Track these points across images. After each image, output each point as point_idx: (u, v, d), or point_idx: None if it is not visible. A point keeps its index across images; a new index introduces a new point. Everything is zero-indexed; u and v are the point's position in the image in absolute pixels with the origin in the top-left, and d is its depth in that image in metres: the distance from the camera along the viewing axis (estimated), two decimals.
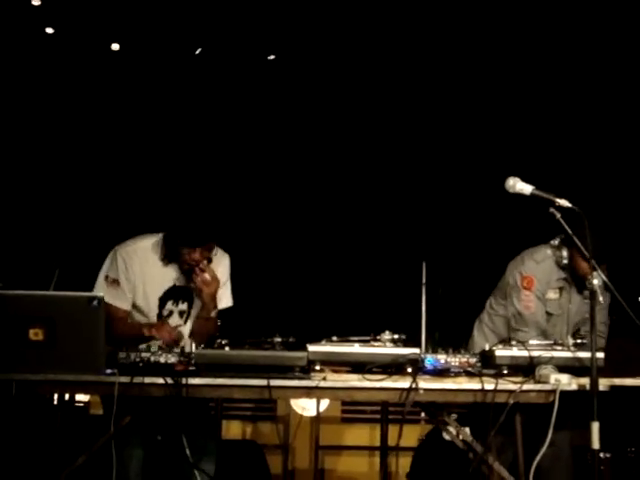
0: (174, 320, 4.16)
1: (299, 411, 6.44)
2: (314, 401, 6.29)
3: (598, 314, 3.67)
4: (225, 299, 4.25)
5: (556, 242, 4.40)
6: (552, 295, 4.42)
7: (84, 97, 6.62)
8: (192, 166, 6.56)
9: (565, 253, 4.33)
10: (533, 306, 4.38)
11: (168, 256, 4.11)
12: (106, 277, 4.09)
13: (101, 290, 3.99)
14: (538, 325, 4.38)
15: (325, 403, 6.43)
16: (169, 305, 4.17)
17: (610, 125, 6.66)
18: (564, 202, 3.64)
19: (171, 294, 4.15)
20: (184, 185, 6.11)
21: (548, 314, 4.43)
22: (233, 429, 6.68)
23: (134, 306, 4.13)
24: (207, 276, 4.06)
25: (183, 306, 4.19)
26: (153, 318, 4.13)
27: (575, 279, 4.38)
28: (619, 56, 6.43)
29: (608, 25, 6.32)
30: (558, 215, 3.66)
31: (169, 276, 4.15)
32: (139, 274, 4.09)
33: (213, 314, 4.16)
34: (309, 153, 6.90)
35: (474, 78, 6.73)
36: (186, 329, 4.17)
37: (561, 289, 4.42)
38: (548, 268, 4.40)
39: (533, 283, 4.38)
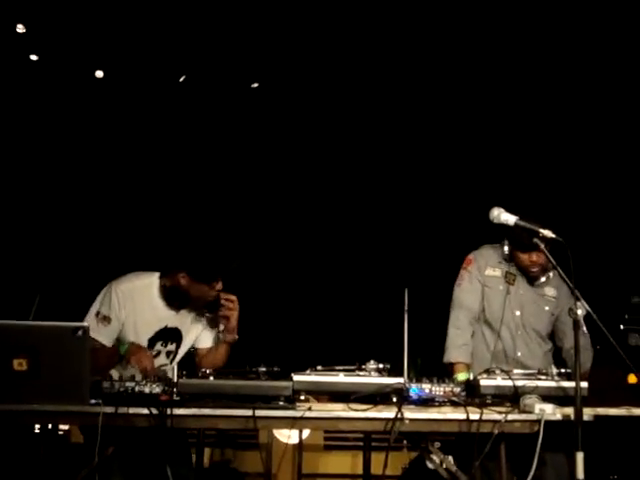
0: (160, 360, 4.16)
1: (282, 439, 6.42)
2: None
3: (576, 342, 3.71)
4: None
5: (501, 242, 4.57)
6: (491, 272, 4.58)
7: (69, 124, 6.62)
8: (173, 197, 6.58)
9: (506, 248, 4.50)
10: (463, 283, 4.59)
11: (177, 298, 4.13)
12: (97, 312, 4.07)
13: (90, 323, 3.97)
14: (466, 304, 4.54)
15: (307, 430, 6.41)
16: (158, 346, 4.17)
17: (590, 155, 6.73)
18: (548, 232, 3.68)
19: (161, 335, 4.15)
20: (178, 218, 6.15)
21: (487, 288, 4.55)
22: (215, 457, 6.64)
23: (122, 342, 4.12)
24: (234, 302, 4.12)
25: (171, 347, 4.20)
26: None
27: (520, 271, 4.52)
28: (605, 85, 6.51)
29: (594, 52, 6.40)
30: (542, 245, 3.69)
31: (162, 317, 4.15)
32: (131, 313, 4.08)
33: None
34: (290, 185, 6.93)
35: (458, 111, 6.79)
36: (170, 369, 4.16)
37: (509, 274, 4.54)
38: (488, 253, 4.62)
39: (470, 262, 4.62)
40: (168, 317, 4.16)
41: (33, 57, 6.41)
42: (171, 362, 4.20)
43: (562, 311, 4.51)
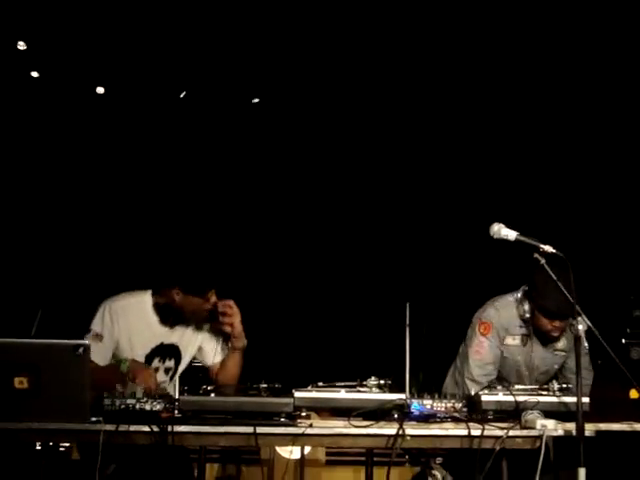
0: (160, 377, 4.16)
1: (284, 454, 6.39)
2: None
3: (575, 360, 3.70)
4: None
5: (519, 295, 4.44)
6: (511, 341, 4.44)
7: (69, 141, 6.64)
8: (174, 210, 6.59)
9: (527, 307, 4.36)
10: (484, 352, 4.41)
11: (171, 315, 4.14)
12: (89, 330, 4.08)
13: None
14: (482, 381, 4.35)
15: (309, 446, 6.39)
16: (155, 362, 4.17)
17: (591, 169, 6.74)
18: (548, 248, 3.67)
19: (158, 352, 4.16)
20: (170, 232, 6.16)
21: (506, 358, 4.45)
22: (216, 473, 6.62)
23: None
24: (232, 307, 4.11)
25: (169, 363, 4.20)
26: None
27: (536, 332, 4.41)
28: (606, 91, 6.52)
29: (589, 62, 6.41)
30: (542, 261, 3.68)
31: (157, 334, 4.16)
32: (125, 331, 4.09)
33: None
34: (291, 200, 6.93)
35: (462, 125, 6.80)
36: (170, 387, 4.17)
37: (524, 336, 4.44)
38: (508, 315, 4.43)
39: (489, 330, 4.42)
40: (163, 334, 4.17)
41: (34, 74, 6.44)
42: (170, 379, 4.20)
43: (568, 358, 4.48)
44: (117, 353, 4.09)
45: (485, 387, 3.93)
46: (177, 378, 4.16)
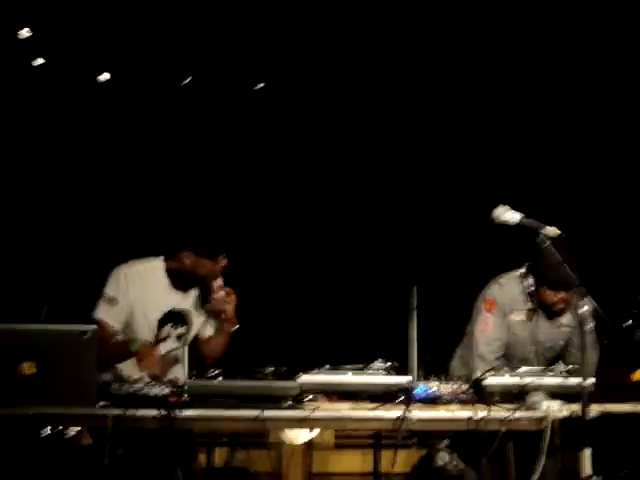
0: (172, 344, 4.16)
1: (292, 438, 6.42)
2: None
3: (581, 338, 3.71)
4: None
5: (523, 270, 4.44)
6: (516, 317, 4.44)
7: (73, 127, 6.64)
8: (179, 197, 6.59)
9: (531, 281, 4.36)
10: (489, 329, 4.41)
11: (183, 280, 4.16)
12: (104, 294, 4.10)
13: (98, 306, 4.06)
14: (489, 358, 4.36)
15: (317, 429, 6.40)
16: (167, 328, 4.17)
17: (595, 152, 6.73)
18: (552, 229, 3.67)
19: (170, 317, 4.16)
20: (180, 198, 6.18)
21: (512, 334, 4.46)
22: (224, 456, 6.64)
23: (132, 327, 4.13)
24: (226, 290, 4.13)
25: (181, 330, 4.20)
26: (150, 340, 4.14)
27: (542, 307, 4.41)
28: (609, 84, 6.51)
29: (595, 55, 6.41)
30: (547, 242, 3.68)
31: (169, 299, 4.18)
32: (139, 295, 4.11)
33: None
34: (296, 183, 6.93)
35: (460, 111, 6.79)
36: (181, 353, 4.17)
37: (530, 311, 4.44)
38: (512, 292, 4.44)
39: (494, 306, 4.42)
40: (175, 299, 4.19)
41: (39, 60, 6.44)
42: (182, 346, 4.16)
43: (573, 334, 4.46)
44: (130, 320, 4.11)
45: (491, 368, 3.95)
46: (186, 362, 4.18)
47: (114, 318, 4.08)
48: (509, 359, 4.44)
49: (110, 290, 4.11)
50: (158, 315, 4.15)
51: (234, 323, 4.21)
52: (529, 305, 4.43)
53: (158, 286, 4.17)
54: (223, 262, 4.12)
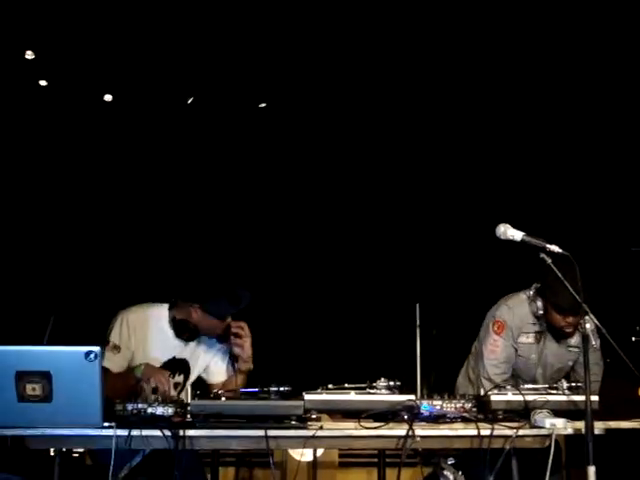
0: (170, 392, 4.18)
1: (296, 456, 6.41)
2: None
3: (591, 356, 3.71)
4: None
5: (531, 292, 4.44)
6: (525, 339, 4.45)
7: (83, 149, 6.68)
8: (181, 217, 6.63)
9: (540, 304, 4.36)
10: (498, 351, 4.42)
11: (187, 331, 4.19)
12: (108, 342, 4.13)
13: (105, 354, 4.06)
14: (497, 380, 4.36)
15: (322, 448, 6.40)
16: None
17: (598, 166, 6.74)
18: (554, 248, 3.68)
19: (169, 366, 4.20)
20: (187, 247, 6.19)
21: (520, 357, 4.46)
22: (230, 476, 6.63)
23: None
24: (244, 329, 4.17)
25: (179, 378, 4.25)
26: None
27: (550, 329, 4.42)
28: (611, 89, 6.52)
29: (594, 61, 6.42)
30: (549, 260, 3.69)
31: (171, 348, 4.21)
32: (141, 342, 4.15)
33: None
34: (300, 202, 6.96)
35: (465, 125, 6.81)
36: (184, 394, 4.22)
37: (538, 333, 4.45)
38: (521, 313, 4.44)
39: (503, 328, 4.43)
40: (177, 348, 4.22)
41: (42, 82, 6.49)
42: (178, 394, 4.22)
43: (581, 354, 4.44)
44: (132, 365, 4.13)
45: (495, 387, 3.96)
46: (189, 385, 4.20)
47: (116, 365, 4.10)
48: (516, 381, 4.43)
49: (114, 338, 4.14)
50: (158, 364, 4.17)
51: (250, 362, 4.23)
52: (537, 327, 4.44)
53: (160, 334, 4.20)
54: (228, 320, 4.16)
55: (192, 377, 4.30)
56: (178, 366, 4.22)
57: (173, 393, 4.18)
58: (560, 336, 4.43)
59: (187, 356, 4.25)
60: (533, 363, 4.48)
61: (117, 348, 4.10)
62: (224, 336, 4.19)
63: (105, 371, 3.95)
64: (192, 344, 4.26)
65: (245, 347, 4.19)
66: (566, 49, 6.38)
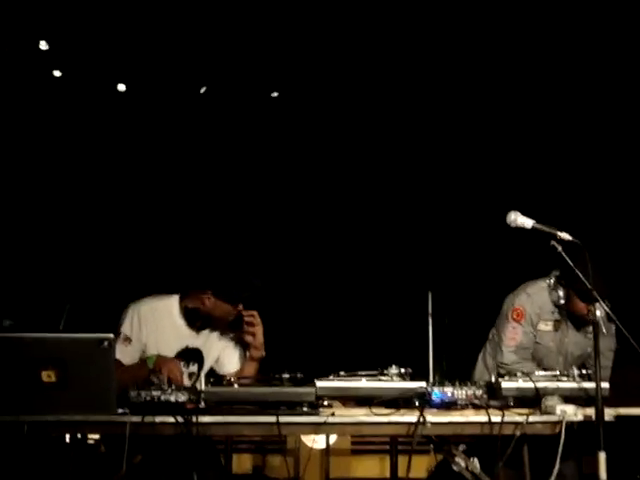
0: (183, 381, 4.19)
1: (309, 444, 6.44)
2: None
3: (603, 342, 3.72)
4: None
5: (551, 280, 4.44)
6: (544, 327, 4.46)
7: (93, 138, 6.71)
8: (193, 203, 6.66)
9: (561, 293, 4.37)
10: (518, 339, 4.43)
11: (199, 320, 4.21)
12: (119, 334, 4.15)
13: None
14: (519, 356, 4.39)
15: (335, 435, 6.43)
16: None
17: (608, 154, 6.72)
18: (565, 235, 3.68)
19: (183, 355, 4.22)
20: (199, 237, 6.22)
21: (538, 344, 4.47)
22: (243, 463, 6.68)
23: None
24: (256, 318, 4.19)
25: (193, 368, 4.26)
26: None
27: (570, 317, 4.42)
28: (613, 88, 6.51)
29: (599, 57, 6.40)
30: (559, 248, 3.69)
31: (183, 337, 4.23)
32: (153, 333, 4.16)
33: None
34: (312, 191, 6.96)
35: (473, 114, 6.81)
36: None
37: (557, 322, 4.46)
38: (540, 301, 4.45)
39: (523, 316, 4.43)
40: (189, 337, 4.24)
41: (56, 73, 6.52)
42: (193, 384, 4.24)
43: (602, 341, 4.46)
44: (143, 356, 4.15)
45: (506, 373, 3.97)
46: (203, 374, 4.22)
47: (128, 357, 4.12)
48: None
49: (125, 330, 4.17)
50: (171, 354, 4.18)
51: (262, 349, 4.25)
52: (556, 316, 4.44)
53: (172, 324, 4.21)
54: (240, 306, 4.18)
55: (206, 366, 4.31)
56: (192, 355, 4.24)
57: (187, 383, 4.19)
58: (581, 324, 4.41)
59: (200, 345, 4.27)
60: (552, 351, 4.48)
61: (128, 340, 4.13)
62: (236, 323, 4.21)
63: (117, 363, 4.01)
64: (204, 334, 4.27)
65: (257, 335, 4.21)
66: (575, 39, 6.37)
